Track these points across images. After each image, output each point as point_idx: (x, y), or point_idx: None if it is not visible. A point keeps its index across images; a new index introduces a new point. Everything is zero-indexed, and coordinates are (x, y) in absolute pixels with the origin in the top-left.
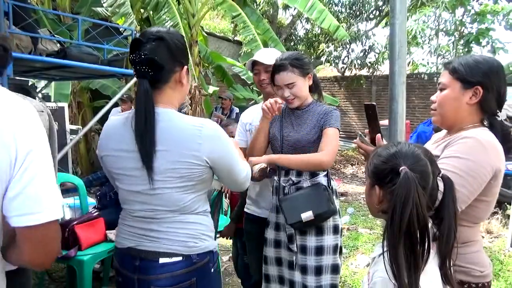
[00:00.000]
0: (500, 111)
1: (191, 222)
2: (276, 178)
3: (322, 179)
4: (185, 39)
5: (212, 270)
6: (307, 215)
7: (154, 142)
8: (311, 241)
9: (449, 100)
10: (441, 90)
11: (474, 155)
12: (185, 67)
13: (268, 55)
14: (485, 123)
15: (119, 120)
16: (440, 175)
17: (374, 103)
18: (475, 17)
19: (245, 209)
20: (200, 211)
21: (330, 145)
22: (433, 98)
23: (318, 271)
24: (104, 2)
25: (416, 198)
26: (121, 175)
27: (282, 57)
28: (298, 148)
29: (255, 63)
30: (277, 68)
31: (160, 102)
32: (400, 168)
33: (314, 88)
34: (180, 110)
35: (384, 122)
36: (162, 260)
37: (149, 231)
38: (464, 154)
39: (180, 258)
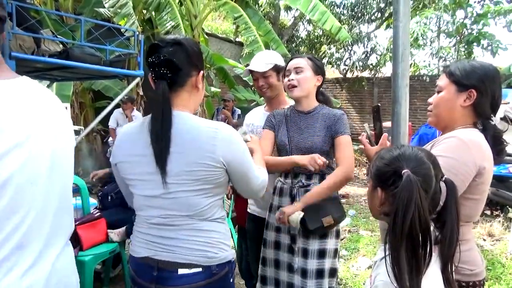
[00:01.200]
0: (495, 115)
1: (209, 230)
2: (281, 179)
3: None
4: None
5: (231, 280)
6: (328, 220)
7: (168, 144)
8: (314, 244)
9: (444, 101)
10: (438, 92)
11: (455, 153)
12: (201, 72)
13: (262, 61)
14: (478, 126)
15: (134, 126)
16: (443, 178)
17: (378, 104)
18: (476, 18)
19: (248, 209)
20: (217, 217)
21: (348, 156)
22: (430, 100)
23: (320, 274)
24: (106, 3)
25: (418, 201)
26: (135, 181)
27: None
28: (309, 154)
29: (252, 70)
30: (294, 56)
31: (176, 105)
32: (403, 171)
33: (323, 103)
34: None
35: (386, 124)
36: (181, 271)
37: (166, 239)
38: (446, 153)
39: (199, 269)
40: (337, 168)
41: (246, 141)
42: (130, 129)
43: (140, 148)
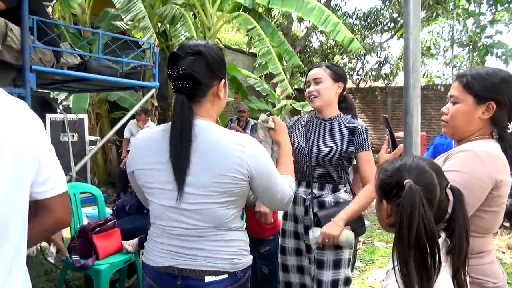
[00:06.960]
0: (510, 123)
1: (233, 240)
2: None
3: (344, 195)
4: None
5: (250, 283)
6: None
7: (188, 156)
8: (330, 255)
9: (462, 114)
10: (454, 103)
11: (469, 168)
12: (223, 80)
13: None
14: (494, 135)
15: (153, 133)
16: (449, 186)
17: (385, 116)
18: (483, 26)
19: None
20: (239, 226)
21: (374, 173)
22: (444, 109)
23: (335, 285)
24: (124, 17)
25: (422, 210)
26: (154, 189)
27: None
28: (325, 161)
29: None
30: (313, 66)
31: (199, 114)
32: (405, 181)
33: (346, 109)
34: None
35: (399, 134)
36: (208, 279)
37: (190, 250)
38: (460, 167)
39: (226, 276)
40: (368, 186)
41: (270, 128)
42: (150, 136)
43: (160, 157)
